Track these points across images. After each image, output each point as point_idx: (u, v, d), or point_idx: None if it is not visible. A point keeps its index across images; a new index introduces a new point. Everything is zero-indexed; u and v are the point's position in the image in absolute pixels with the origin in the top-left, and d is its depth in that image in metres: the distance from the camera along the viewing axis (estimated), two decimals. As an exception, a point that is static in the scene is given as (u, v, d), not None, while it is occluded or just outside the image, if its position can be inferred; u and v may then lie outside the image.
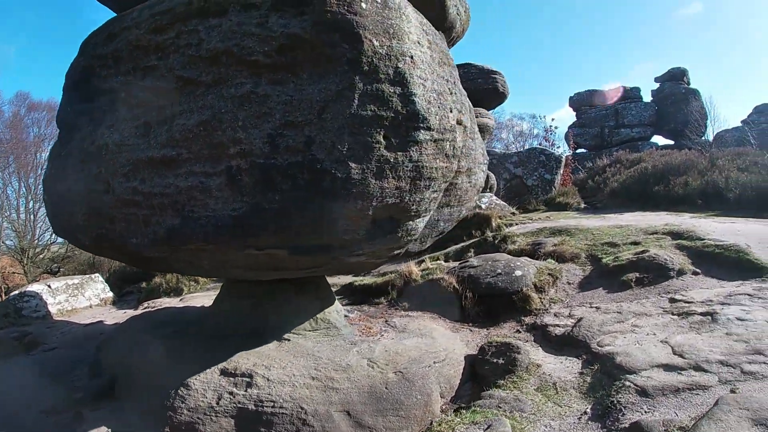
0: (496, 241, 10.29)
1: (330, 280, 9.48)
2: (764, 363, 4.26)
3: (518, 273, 7.41)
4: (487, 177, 14.88)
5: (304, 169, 3.90)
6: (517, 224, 11.98)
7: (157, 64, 4.30)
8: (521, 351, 5.54)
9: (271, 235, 4.19)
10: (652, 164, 18.03)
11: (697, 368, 4.39)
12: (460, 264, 8.45)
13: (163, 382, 4.83)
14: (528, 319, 6.81)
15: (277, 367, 4.96)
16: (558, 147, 30.96)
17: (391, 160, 4.12)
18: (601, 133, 34.53)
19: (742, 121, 31.93)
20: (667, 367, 4.51)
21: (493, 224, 11.44)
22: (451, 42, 7.58)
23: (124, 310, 11.68)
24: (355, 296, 8.80)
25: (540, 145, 26.82)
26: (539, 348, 5.98)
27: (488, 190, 14.66)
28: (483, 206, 12.97)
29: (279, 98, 3.92)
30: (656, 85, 36.24)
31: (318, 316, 6.08)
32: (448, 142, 4.60)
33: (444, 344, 5.95)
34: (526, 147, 22.95)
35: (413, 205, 4.53)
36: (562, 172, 18.60)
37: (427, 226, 5.64)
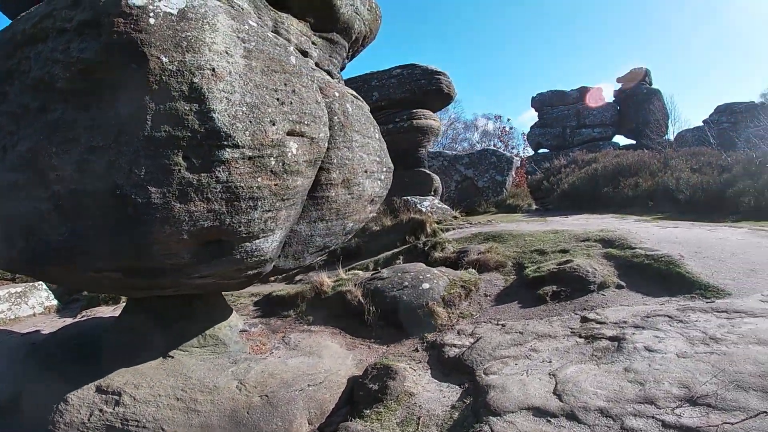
0: (426, 248, 9.45)
1: (253, 289, 8.70)
2: (652, 418, 3.35)
3: (426, 286, 6.60)
4: (432, 179, 14.10)
5: (108, 195, 3.56)
6: (454, 229, 11.18)
7: (8, 90, 4.06)
8: (396, 377, 4.78)
9: (96, 260, 3.91)
10: (602, 165, 17.42)
11: (571, 416, 3.55)
12: (372, 275, 7.62)
13: (53, 396, 4.64)
14: (431, 337, 5.99)
15: (145, 387, 4.65)
16: (513, 148, 30.35)
17: (195, 183, 3.56)
18: (562, 133, 34.08)
19: (704, 121, 31.37)
20: (538, 412, 3.68)
21: (428, 229, 10.64)
22: (356, 43, 6.81)
23: (64, 319, 10.90)
24: (270, 307, 7.96)
25: (495, 146, 26.13)
26: (428, 372, 5.19)
27: (432, 193, 13.87)
28: (424, 210, 12.14)
29: (84, 123, 3.58)
30: (619, 85, 35.80)
31: (207, 332, 5.58)
32: (272, 158, 3.92)
33: (329, 365, 5.38)
34: (492, 147, 21.93)
35: (240, 226, 3.85)
36: (513, 173, 17.88)
37: (297, 243, 5.01)
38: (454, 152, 19.98)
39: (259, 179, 3.78)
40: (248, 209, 3.77)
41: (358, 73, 16.30)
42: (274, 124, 3.86)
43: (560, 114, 34.89)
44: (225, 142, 3.55)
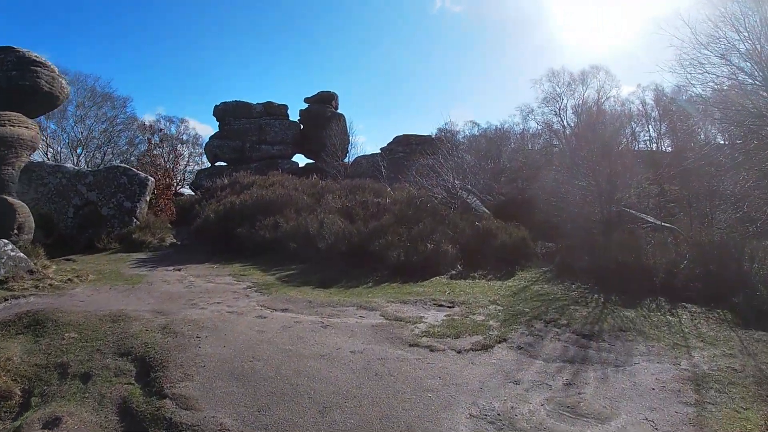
0: None
1: None
2: None
3: None
4: (14, 211, 10.58)
5: None
6: (8, 300, 7.90)
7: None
8: None
9: None
10: (242, 199, 15.51)
11: None
12: None
13: None
14: None
15: None
16: (165, 160, 27.67)
17: None
18: (242, 147, 32.58)
19: (381, 149, 32.97)
20: None
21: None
22: None
23: None
24: None
25: (141, 158, 22.77)
26: None
27: (15, 231, 10.34)
28: (-14, 261, 8.84)
29: None
30: (306, 105, 35.98)
31: None
32: None
33: None
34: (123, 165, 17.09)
35: None
36: (148, 198, 15.07)
37: None
38: (75, 168, 15.92)
39: None
40: None
41: None
42: None
43: (242, 127, 33.16)
44: None
